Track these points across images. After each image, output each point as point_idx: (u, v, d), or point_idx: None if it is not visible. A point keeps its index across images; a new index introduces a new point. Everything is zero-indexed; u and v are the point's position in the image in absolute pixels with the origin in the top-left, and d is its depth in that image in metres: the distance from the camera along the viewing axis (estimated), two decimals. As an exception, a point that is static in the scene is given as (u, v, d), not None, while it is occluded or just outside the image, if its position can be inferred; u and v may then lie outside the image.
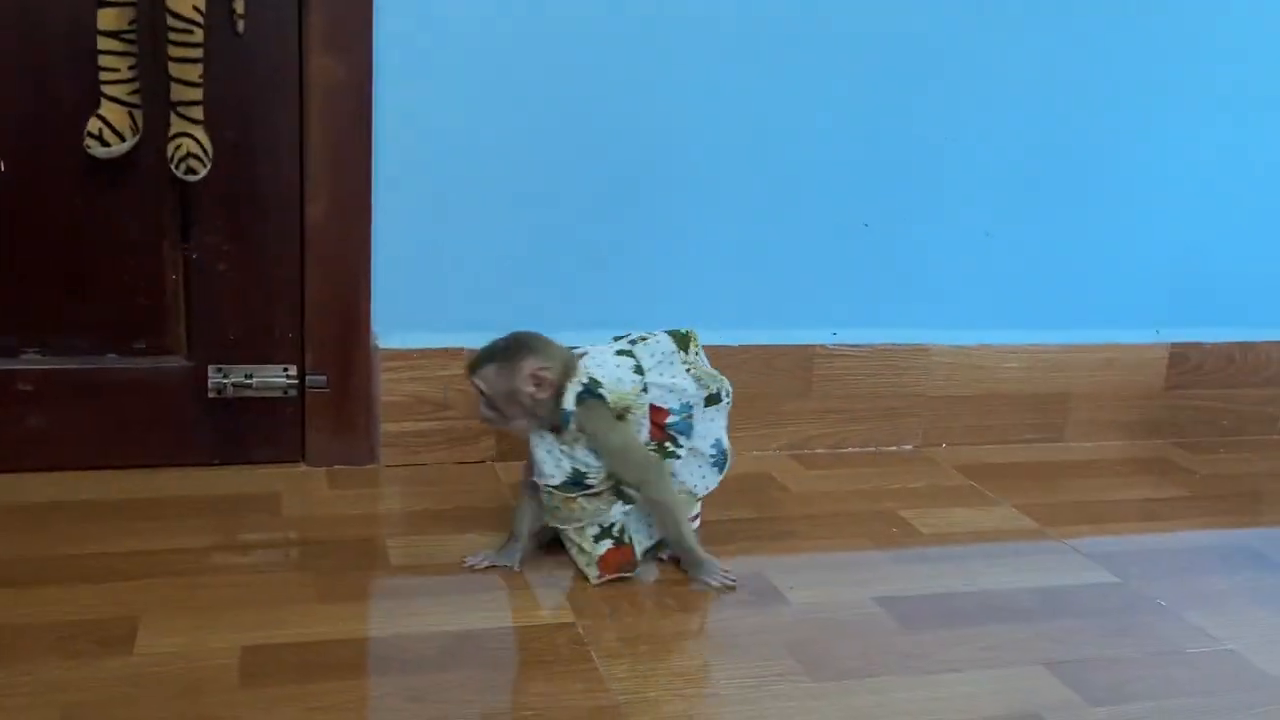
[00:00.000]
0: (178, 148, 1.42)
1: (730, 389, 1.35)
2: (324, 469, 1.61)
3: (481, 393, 1.28)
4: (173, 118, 1.42)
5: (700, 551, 1.33)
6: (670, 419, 1.32)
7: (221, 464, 1.60)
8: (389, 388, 1.61)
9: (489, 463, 1.67)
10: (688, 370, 1.33)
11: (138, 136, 1.43)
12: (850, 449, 1.83)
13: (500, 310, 1.64)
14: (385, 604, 1.25)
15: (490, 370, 1.26)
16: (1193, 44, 1.84)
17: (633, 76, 1.62)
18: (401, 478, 1.61)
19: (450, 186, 1.59)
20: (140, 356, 1.56)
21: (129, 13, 1.37)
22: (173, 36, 1.38)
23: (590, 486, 1.29)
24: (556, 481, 1.28)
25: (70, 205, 1.48)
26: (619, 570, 1.32)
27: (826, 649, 1.20)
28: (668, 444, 1.32)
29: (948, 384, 1.85)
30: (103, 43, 1.37)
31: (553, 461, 1.28)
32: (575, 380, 1.26)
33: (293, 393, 1.59)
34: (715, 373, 1.35)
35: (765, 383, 1.77)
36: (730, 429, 1.39)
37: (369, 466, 1.63)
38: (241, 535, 1.39)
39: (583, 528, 1.31)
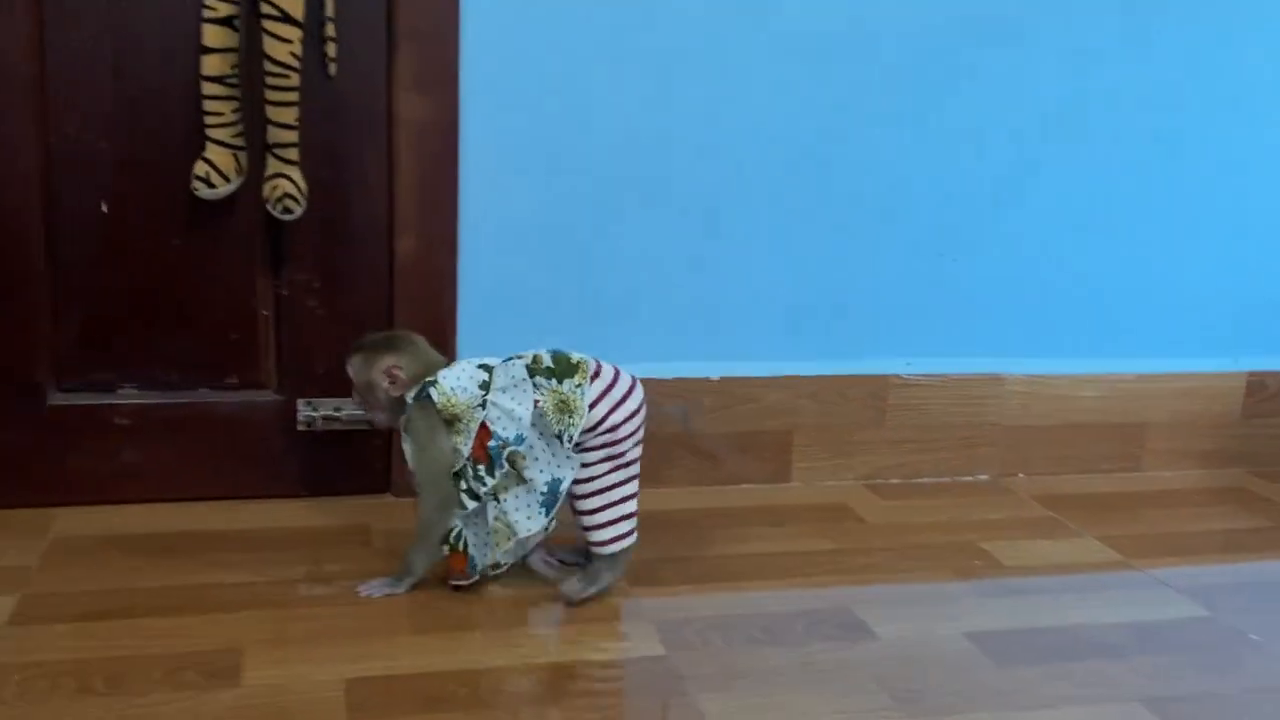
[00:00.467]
0: (274, 188, 1.46)
1: (572, 434, 1.29)
2: (409, 500, 1.63)
3: (352, 380, 1.35)
4: (269, 159, 1.46)
5: (406, 576, 1.34)
6: (491, 443, 1.29)
7: (310, 496, 1.63)
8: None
9: (568, 493, 1.69)
10: (537, 402, 1.30)
11: (242, 178, 1.47)
12: (925, 479, 1.83)
13: (579, 344, 1.66)
14: (480, 636, 1.27)
15: (356, 360, 1.35)
16: (1274, 70, 1.83)
17: (706, 108, 1.64)
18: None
19: (534, 221, 1.62)
20: (232, 390, 1.59)
21: (231, 58, 1.42)
22: (270, 81, 1.42)
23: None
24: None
25: (167, 244, 1.52)
26: (450, 578, 1.35)
27: (920, 685, 1.21)
28: (480, 467, 1.30)
29: (1023, 414, 1.85)
30: (207, 88, 1.42)
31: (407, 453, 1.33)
32: (423, 381, 1.30)
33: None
34: (579, 412, 1.29)
35: (838, 412, 1.78)
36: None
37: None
38: (334, 567, 1.42)
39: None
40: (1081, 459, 1.89)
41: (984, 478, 1.86)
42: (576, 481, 1.34)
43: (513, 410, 1.30)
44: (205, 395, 1.58)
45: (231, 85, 1.43)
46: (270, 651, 1.21)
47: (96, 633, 1.23)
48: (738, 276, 1.71)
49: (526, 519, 1.33)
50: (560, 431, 1.30)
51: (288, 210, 1.47)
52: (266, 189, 1.47)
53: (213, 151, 1.45)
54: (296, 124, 1.45)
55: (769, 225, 1.70)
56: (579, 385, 1.31)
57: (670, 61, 1.61)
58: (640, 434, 1.36)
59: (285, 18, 1.40)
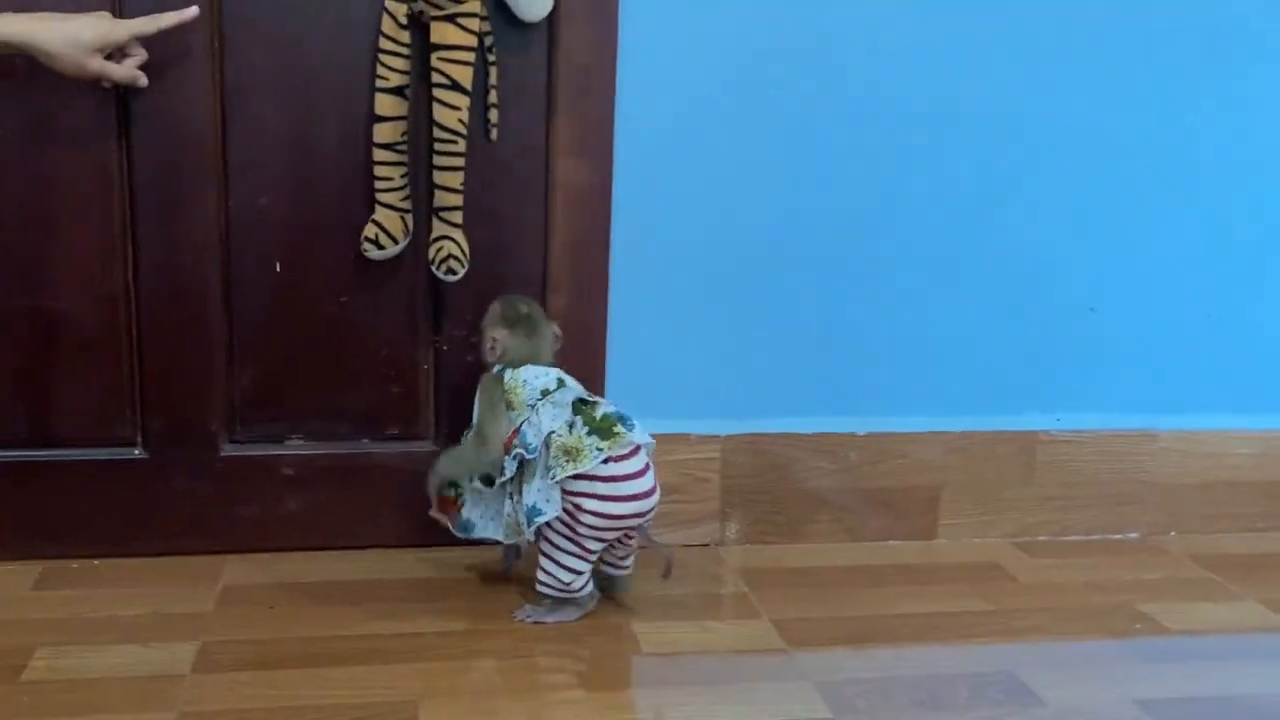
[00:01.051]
0: (439, 250, 1.51)
1: (557, 475, 1.35)
2: (559, 551, 1.67)
3: None
4: (434, 222, 1.52)
5: (432, 480, 1.47)
6: (516, 442, 1.39)
7: (467, 545, 1.66)
8: (621, 473, 1.66)
9: (712, 546, 1.71)
10: (554, 432, 1.37)
11: (408, 239, 1.52)
12: (1074, 537, 1.80)
13: (728, 399, 1.68)
14: (647, 694, 1.29)
15: (492, 310, 1.49)
16: None
17: (854, 164, 1.65)
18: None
19: (681, 279, 1.64)
20: (392, 441, 1.64)
21: (401, 125, 1.48)
22: (438, 147, 1.48)
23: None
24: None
25: (335, 302, 1.58)
26: (440, 511, 1.49)
27: (1094, 754, 1.19)
28: (506, 457, 1.40)
29: (1177, 471, 1.81)
30: (378, 154, 1.48)
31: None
32: (517, 362, 1.44)
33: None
34: (578, 466, 1.35)
35: (986, 469, 1.76)
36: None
37: (601, 549, 1.68)
38: (496, 618, 1.45)
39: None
40: (1237, 518, 1.84)
41: (1134, 536, 1.82)
42: (547, 528, 1.40)
43: (542, 425, 1.38)
44: (367, 446, 1.63)
45: (400, 151, 1.49)
46: (447, 705, 1.24)
47: (277, 682, 1.28)
48: (884, 331, 1.71)
49: (491, 519, 1.46)
50: (551, 467, 1.36)
51: (451, 271, 1.51)
52: (432, 251, 1.52)
53: (381, 214, 1.50)
54: (461, 188, 1.50)
55: (916, 279, 1.70)
56: (598, 450, 1.34)
57: (824, 122, 1.63)
58: (608, 536, 1.40)
59: (455, 86, 1.46)
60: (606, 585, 1.49)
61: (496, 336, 1.46)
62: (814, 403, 1.70)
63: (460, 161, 1.49)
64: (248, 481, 1.60)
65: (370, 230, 1.50)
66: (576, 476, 1.35)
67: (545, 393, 1.41)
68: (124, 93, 1.46)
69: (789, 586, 1.58)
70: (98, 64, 1.33)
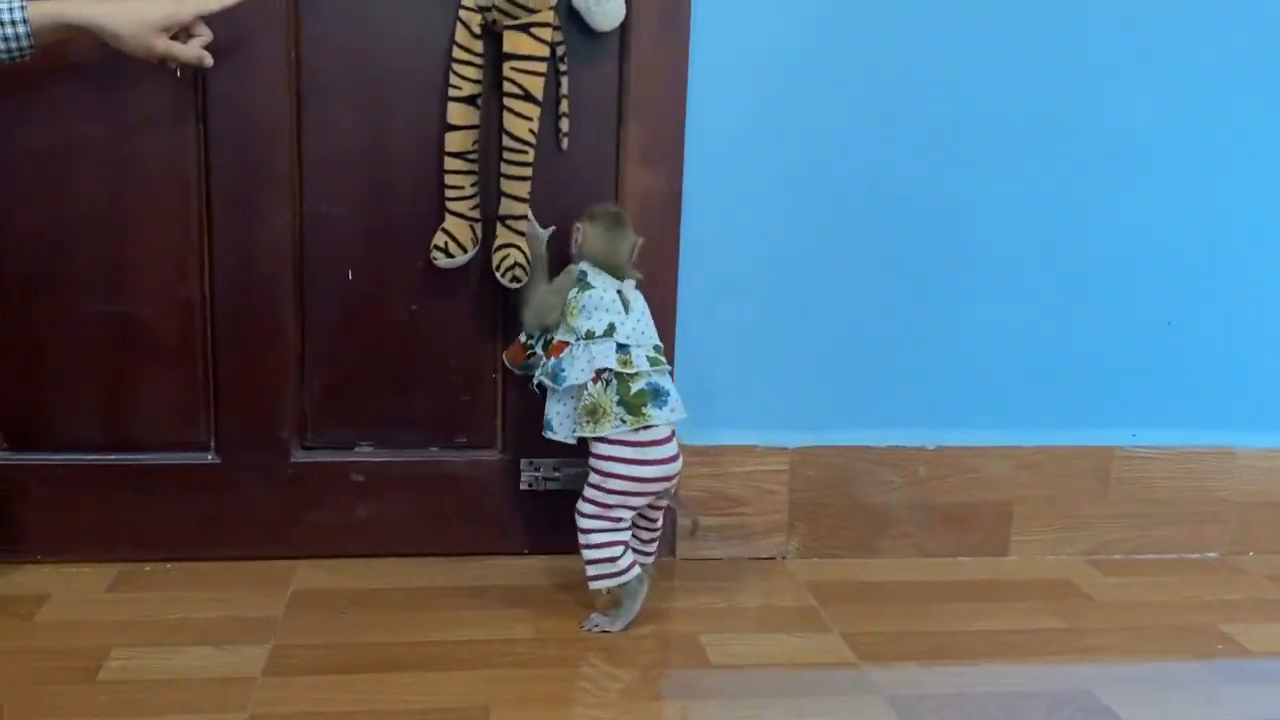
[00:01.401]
0: (505, 258, 1.51)
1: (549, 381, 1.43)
2: (626, 561, 1.66)
3: None
4: (500, 230, 1.52)
5: (525, 311, 1.50)
6: (550, 365, 1.44)
7: (531, 554, 1.67)
8: (687, 483, 1.65)
9: (781, 559, 1.69)
10: (589, 394, 1.40)
11: (476, 248, 1.53)
12: (1150, 555, 1.77)
13: (796, 411, 1.67)
14: (714, 706, 1.27)
15: (585, 212, 1.48)
16: None
17: (927, 177, 1.64)
18: (697, 571, 1.64)
19: (750, 290, 1.63)
20: (460, 450, 1.65)
21: (473, 135, 1.49)
22: (507, 156, 1.48)
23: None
24: None
25: (405, 310, 1.59)
26: (507, 356, 1.55)
27: (1178, 776, 1.16)
28: (551, 331, 1.47)
29: (1256, 489, 1.77)
30: (449, 163, 1.49)
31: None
32: (605, 275, 1.45)
33: (597, 487, 1.65)
34: (597, 418, 1.40)
35: (1061, 485, 1.73)
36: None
37: (665, 559, 1.67)
38: (563, 626, 1.44)
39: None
40: (1320, 538, 1.80)
41: (1212, 556, 1.78)
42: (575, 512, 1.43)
43: (572, 367, 1.41)
44: (436, 454, 1.64)
45: (471, 160, 1.50)
46: (516, 712, 1.24)
47: (349, 686, 1.28)
48: (955, 343, 1.69)
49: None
50: (597, 413, 1.39)
51: (516, 279, 1.52)
52: (496, 258, 1.52)
53: (451, 223, 1.51)
54: (527, 197, 1.50)
55: (988, 292, 1.68)
56: (621, 422, 1.38)
57: (893, 132, 1.61)
58: (636, 502, 1.42)
59: (526, 96, 1.46)
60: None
61: (579, 226, 1.47)
62: (883, 416, 1.69)
63: (528, 171, 1.49)
64: (318, 488, 1.61)
65: (440, 239, 1.51)
66: (603, 439, 1.39)
67: (590, 334, 1.41)
68: (202, 103, 1.49)
69: (858, 601, 1.56)
70: (164, 44, 1.34)
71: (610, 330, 1.41)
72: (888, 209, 1.64)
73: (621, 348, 1.40)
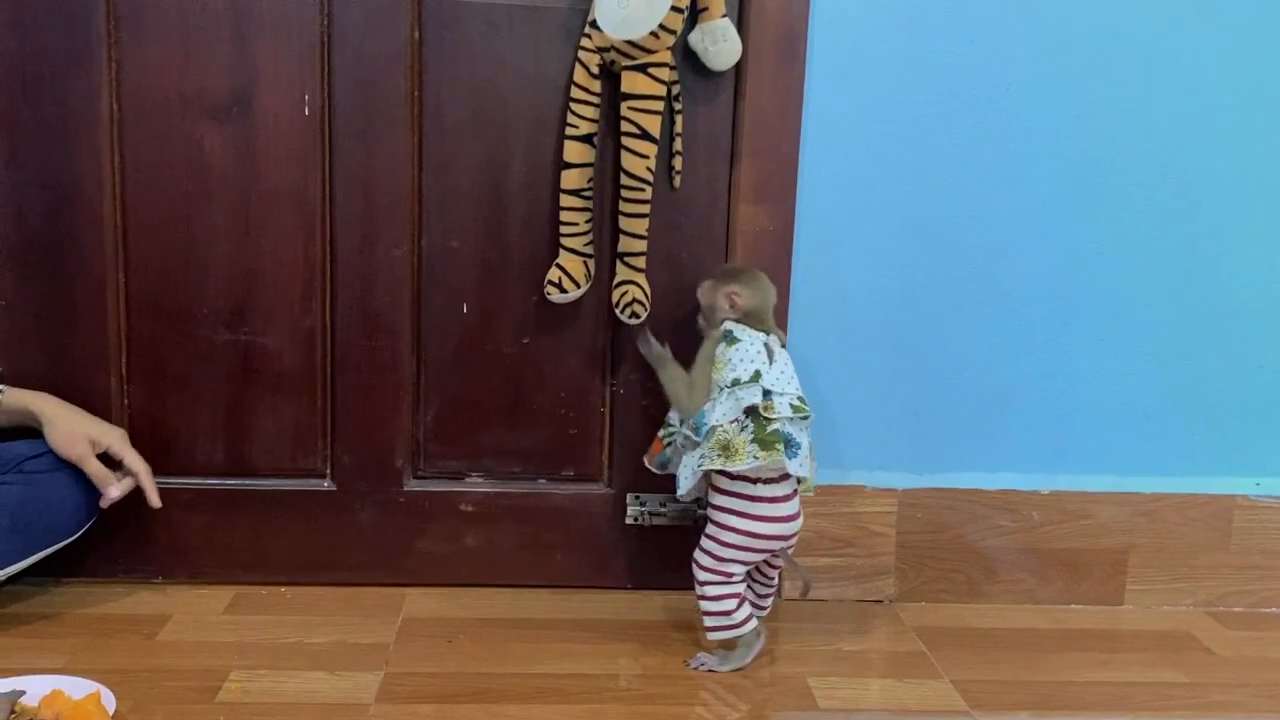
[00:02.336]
0: (624, 294, 1.53)
1: (703, 464, 1.39)
2: (730, 599, 1.65)
3: (700, 303, 1.48)
4: (619, 267, 1.54)
5: (666, 370, 1.47)
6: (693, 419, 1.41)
7: (635, 589, 1.67)
8: (794, 522, 1.64)
9: (887, 603, 1.67)
10: (723, 431, 1.37)
11: (590, 283, 1.55)
12: (1273, 609, 1.70)
13: (905, 452, 1.65)
14: (824, 749, 1.26)
15: (707, 285, 1.47)
16: None
17: (1041, 219, 1.61)
18: (804, 613, 1.63)
19: (859, 329, 1.63)
20: (567, 483, 1.66)
21: (588, 172, 1.51)
22: (625, 194, 1.50)
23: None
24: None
25: (517, 344, 1.61)
26: (648, 458, 1.52)
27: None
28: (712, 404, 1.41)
29: (1389, 544, 1.70)
30: (564, 200, 1.51)
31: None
32: (752, 329, 1.42)
33: (703, 523, 1.65)
34: (729, 458, 1.37)
35: (1179, 534, 1.68)
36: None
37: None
38: (668, 663, 1.44)
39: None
40: None
41: (1341, 611, 1.71)
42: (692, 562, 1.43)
43: (715, 413, 1.38)
44: (543, 486, 1.66)
45: (587, 198, 1.52)
46: (627, 748, 1.24)
47: (459, 716, 1.30)
48: (1070, 386, 1.66)
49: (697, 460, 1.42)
50: (704, 456, 1.38)
51: (635, 315, 1.53)
52: (616, 295, 1.54)
53: (566, 259, 1.53)
54: (645, 234, 1.52)
55: (1108, 335, 1.65)
56: (754, 458, 1.35)
57: (1007, 173, 1.60)
58: (750, 558, 1.41)
59: (644, 134, 1.48)
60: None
61: (730, 291, 1.44)
62: (995, 458, 1.66)
63: (646, 209, 1.51)
64: (429, 516, 1.64)
65: (554, 274, 1.53)
66: (725, 492, 1.39)
67: (736, 382, 1.39)
68: (330, 140, 1.53)
69: (968, 647, 1.53)
70: (84, 449, 1.45)
71: (756, 377, 1.38)
72: (1000, 249, 1.62)
73: (765, 394, 1.38)
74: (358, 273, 1.57)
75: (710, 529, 1.42)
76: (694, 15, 1.49)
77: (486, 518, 1.65)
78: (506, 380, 1.63)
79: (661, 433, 1.50)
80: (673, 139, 1.54)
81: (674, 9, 1.43)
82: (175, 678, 1.35)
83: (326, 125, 1.53)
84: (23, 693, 1.23)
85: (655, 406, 1.63)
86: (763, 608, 1.51)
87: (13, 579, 1.45)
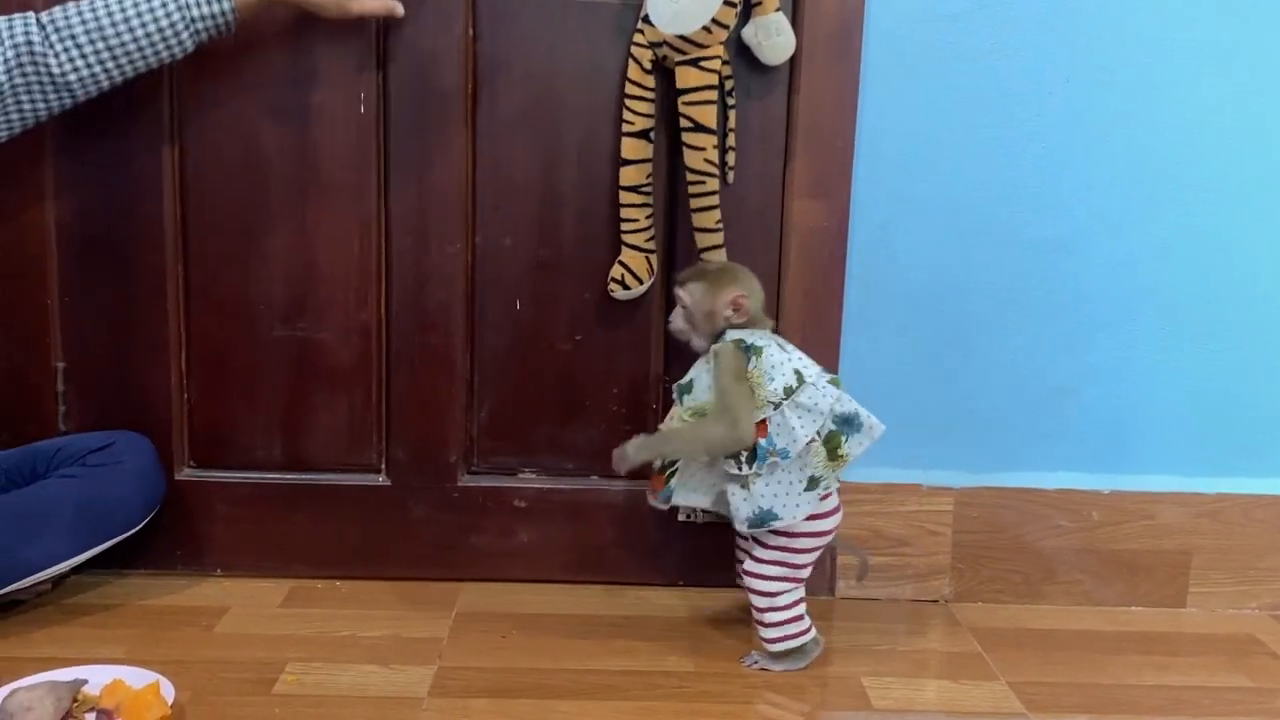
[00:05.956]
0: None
1: (827, 484, 1.36)
2: (783, 597, 1.64)
3: (684, 306, 1.39)
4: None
5: (622, 461, 1.38)
6: (762, 442, 1.32)
7: (685, 585, 1.66)
8: (847, 521, 1.61)
9: (943, 603, 1.65)
10: (818, 435, 1.33)
11: (653, 279, 1.54)
12: (1342, 613, 1.66)
13: (962, 450, 1.63)
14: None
15: (699, 287, 1.38)
16: None
17: (1103, 216, 1.59)
18: (858, 612, 1.61)
19: (916, 324, 1.61)
20: (619, 479, 1.65)
21: (646, 168, 1.50)
22: (691, 190, 1.50)
23: (692, 406, 1.38)
24: (685, 381, 1.40)
25: (570, 340, 1.61)
26: (652, 487, 1.43)
27: None
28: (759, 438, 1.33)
29: None
30: (624, 196, 1.51)
31: (700, 377, 1.39)
32: (756, 330, 1.37)
33: (756, 521, 1.64)
34: (839, 466, 1.36)
35: (1242, 534, 1.65)
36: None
37: (824, 598, 1.65)
38: (721, 661, 1.43)
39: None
40: None
41: None
42: (751, 577, 1.39)
43: (795, 430, 1.32)
44: (596, 483, 1.66)
45: (645, 193, 1.52)
46: (677, 746, 1.23)
47: (512, 711, 1.30)
48: (1130, 384, 1.63)
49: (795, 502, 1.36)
50: (817, 475, 1.33)
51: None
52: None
53: (628, 255, 1.53)
54: (718, 226, 1.51)
55: (1171, 332, 1.62)
56: (853, 447, 1.34)
57: (1061, 171, 1.57)
58: (815, 556, 1.40)
59: (698, 127, 1.47)
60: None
61: (737, 295, 1.36)
62: (1054, 457, 1.63)
63: (713, 200, 1.50)
64: (482, 512, 1.64)
65: (617, 271, 1.53)
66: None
67: (789, 391, 1.33)
68: (384, 136, 1.54)
69: (1025, 648, 1.51)
70: (358, 5, 1.40)
71: (799, 377, 1.33)
72: (1061, 245, 1.59)
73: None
74: (412, 269, 1.58)
75: (778, 539, 1.38)
76: (747, 9, 1.48)
77: (539, 514, 1.65)
78: (559, 376, 1.63)
79: (657, 464, 1.43)
80: (725, 133, 1.54)
81: (726, 3, 1.42)
82: (233, 670, 1.37)
83: (382, 122, 1.54)
84: (85, 682, 1.25)
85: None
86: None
87: (76, 570, 1.48)
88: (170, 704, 1.22)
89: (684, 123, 1.47)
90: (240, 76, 1.53)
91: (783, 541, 1.38)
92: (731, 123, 1.54)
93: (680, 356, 1.60)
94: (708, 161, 1.47)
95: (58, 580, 1.49)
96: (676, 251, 1.59)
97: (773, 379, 1.34)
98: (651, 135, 1.50)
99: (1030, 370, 1.62)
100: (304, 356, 1.60)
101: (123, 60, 1.36)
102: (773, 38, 1.48)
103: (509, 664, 1.41)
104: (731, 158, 1.55)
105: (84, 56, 1.34)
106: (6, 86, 1.33)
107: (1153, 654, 1.51)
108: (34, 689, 1.20)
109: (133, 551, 1.55)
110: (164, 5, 1.34)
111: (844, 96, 1.54)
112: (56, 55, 1.33)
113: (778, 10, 1.48)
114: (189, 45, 1.38)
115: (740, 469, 1.34)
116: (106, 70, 1.36)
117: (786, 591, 1.39)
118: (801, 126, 1.54)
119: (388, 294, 1.59)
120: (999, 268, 1.59)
